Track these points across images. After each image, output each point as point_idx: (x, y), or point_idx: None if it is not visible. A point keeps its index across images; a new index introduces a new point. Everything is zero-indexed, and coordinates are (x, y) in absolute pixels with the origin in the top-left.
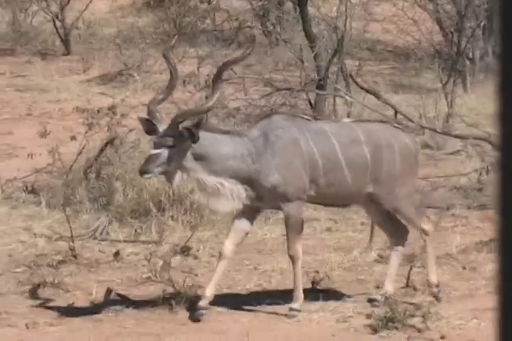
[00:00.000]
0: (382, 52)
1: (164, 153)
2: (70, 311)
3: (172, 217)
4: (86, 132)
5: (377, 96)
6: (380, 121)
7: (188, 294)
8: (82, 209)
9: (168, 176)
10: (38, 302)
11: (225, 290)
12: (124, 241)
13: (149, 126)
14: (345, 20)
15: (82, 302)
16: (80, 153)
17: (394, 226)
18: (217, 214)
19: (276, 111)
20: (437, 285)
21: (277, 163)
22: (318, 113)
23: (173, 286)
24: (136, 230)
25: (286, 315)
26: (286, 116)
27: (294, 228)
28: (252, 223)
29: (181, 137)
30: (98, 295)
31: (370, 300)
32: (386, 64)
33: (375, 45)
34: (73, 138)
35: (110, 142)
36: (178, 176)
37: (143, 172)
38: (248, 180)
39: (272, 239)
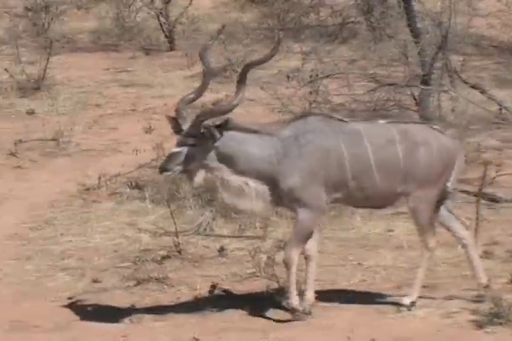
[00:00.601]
0: (487, 48)
1: (185, 151)
2: (175, 306)
3: (276, 212)
4: None
5: (482, 91)
6: (417, 122)
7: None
8: (187, 204)
9: (189, 175)
10: (143, 297)
11: (329, 286)
12: (229, 237)
13: (176, 124)
14: (450, 16)
15: (186, 297)
16: None
17: (455, 221)
18: (243, 214)
19: (312, 112)
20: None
21: (300, 166)
22: (422, 108)
23: (277, 282)
24: (240, 226)
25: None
26: (322, 117)
27: (298, 235)
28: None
29: (203, 136)
30: (202, 290)
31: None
32: (491, 59)
33: (480, 40)
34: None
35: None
36: (200, 175)
37: (162, 169)
38: (270, 181)
39: (375, 235)
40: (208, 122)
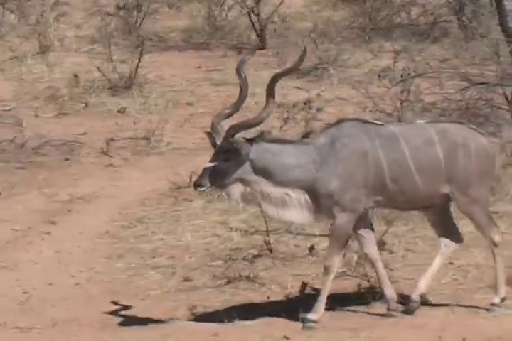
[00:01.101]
0: None
1: (218, 166)
2: (266, 305)
3: None
4: (281, 126)
5: None
6: (455, 122)
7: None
8: None
9: (226, 189)
10: (234, 296)
11: None
12: (319, 236)
13: (212, 139)
14: None
15: (277, 296)
16: None
17: (448, 229)
18: (290, 225)
19: (347, 118)
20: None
21: (339, 171)
22: None
23: (368, 281)
24: (330, 225)
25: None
26: (357, 122)
27: (337, 239)
28: (371, 225)
29: (235, 150)
30: (293, 289)
31: None
32: None
33: None
34: (269, 132)
35: (306, 136)
36: (237, 189)
37: (197, 185)
38: (311, 189)
39: (467, 233)
40: (239, 136)
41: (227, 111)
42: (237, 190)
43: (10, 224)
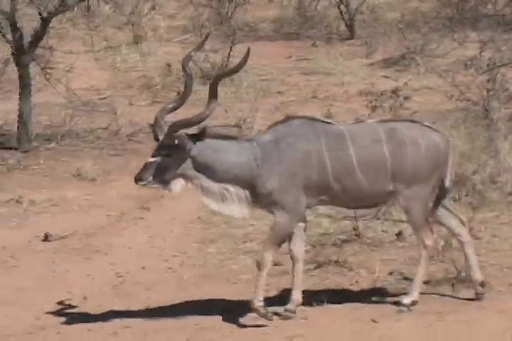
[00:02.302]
0: None
1: (160, 161)
2: (354, 289)
3: (454, 198)
4: (369, 114)
5: None
6: (407, 120)
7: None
8: None
9: (165, 184)
10: (323, 280)
11: (508, 271)
12: (407, 222)
13: (154, 133)
14: None
15: (365, 280)
16: None
17: (453, 219)
18: (230, 218)
19: (296, 115)
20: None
21: (280, 169)
22: None
23: (454, 266)
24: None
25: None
26: (305, 121)
27: (274, 237)
28: (305, 219)
29: (177, 147)
30: (381, 273)
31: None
32: None
33: None
34: (357, 120)
35: None
36: (178, 184)
37: (137, 179)
38: (249, 185)
39: None
40: (181, 132)
41: (170, 106)
42: (178, 185)
43: (104, 210)
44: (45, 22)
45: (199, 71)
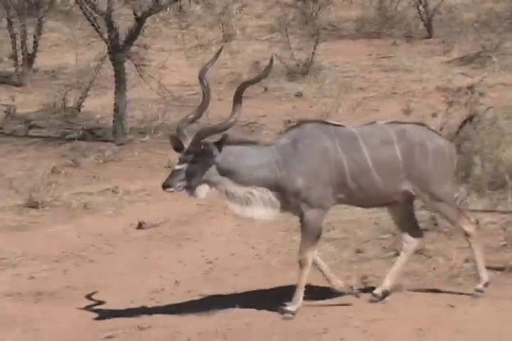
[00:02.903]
0: None
1: (186, 168)
2: (431, 275)
3: None
4: (446, 109)
5: None
6: (414, 123)
7: None
8: None
9: (192, 190)
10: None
11: None
12: (482, 211)
13: (176, 143)
14: None
15: (442, 267)
16: (442, 128)
17: (409, 226)
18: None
19: (308, 120)
20: (486, 284)
21: (303, 169)
22: None
23: None
24: (492, 200)
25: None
26: (317, 124)
27: (309, 235)
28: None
29: (203, 153)
30: (457, 260)
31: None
32: None
33: None
34: (434, 115)
35: (469, 119)
36: (204, 190)
37: (166, 186)
38: (276, 187)
39: None
40: (207, 140)
41: (191, 117)
42: (203, 190)
43: (195, 200)
44: (139, 21)
45: (285, 68)
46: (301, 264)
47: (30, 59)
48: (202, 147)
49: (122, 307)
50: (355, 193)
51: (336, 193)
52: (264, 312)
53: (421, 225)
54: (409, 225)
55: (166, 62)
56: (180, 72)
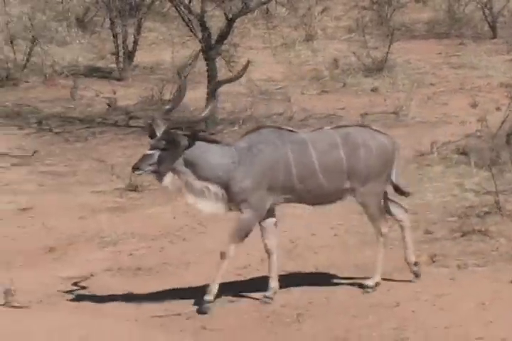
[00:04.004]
0: None
1: (156, 154)
2: (494, 255)
3: None
4: (509, 103)
5: None
6: (358, 125)
7: None
8: (506, 168)
9: (158, 176)
10: (468, 247)
11: None
12: None
13: (151, 131)
14: None
15: (504, 248)
16: (504, 121)
17: (395, 206)
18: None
19: (265, 125)
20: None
21: (252, 173)
22: None
23: None
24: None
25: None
26: (273, 129)
27: (239, 231)
28: (274, 214)
29: (172, 142)
30: None
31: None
32: None
33: None
34: (498, 108)
35: None
36: (168, 177)
37: (135, 168)
38: (225, 185)
39: None
40: (178, 131)
41: (167, 107)
42: (168, 177)
43: None
44: (230, 22)
45: (362, 65)
46: (222, 256)
47: (130, 56)
48: (172, 136)
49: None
50: (302, 193)
51: (283, 194)
52: (341, 287)
53: (485, 209)
54: (393, 206)
55: (254, 59)
56: (266, 68)
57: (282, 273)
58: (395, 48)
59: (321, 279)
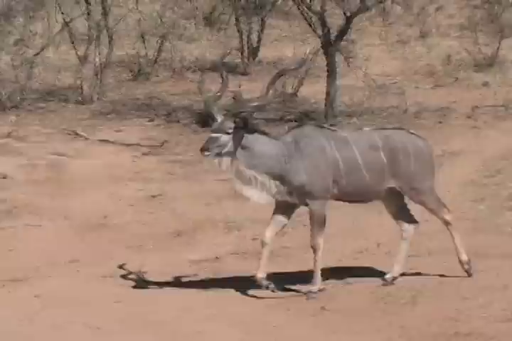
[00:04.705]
0: None
1: (222, 137)
2: None
3: None
4: None
5: None
6: (396, 128)
7: None
8: None
9: (220, 159)
10: None
11: None
12: None
13: (202, 118)
14: None
15: None
16: None
17: (404, 215)
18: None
19: (307, 122)
20: (468, 263)
21: (305, 165)
22: None
23: None
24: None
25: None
26: (315, 127)
27: (317, 223)
28: (289, 218)
29: (237, 126)
30: None
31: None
32: None
33: None
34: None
35: None
36: (226, 161)
37: (204, 150)
38: (280, 177)
39: None
40: (244, 114)
41: (218, 94)
42: (227, 162)
43: None
44: (348, 20)
45: (473, 61)
46: (314, 249)
47: (254, 52)
48: (236, 120)
49: (332, 265)
50: (346, 189)
51: (330, 189)
52: (453, 271)
53: None
54: (403, 215)
55: (371, 55)
56: (382, 63)
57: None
58: (505, 45)
59: (434, 263)
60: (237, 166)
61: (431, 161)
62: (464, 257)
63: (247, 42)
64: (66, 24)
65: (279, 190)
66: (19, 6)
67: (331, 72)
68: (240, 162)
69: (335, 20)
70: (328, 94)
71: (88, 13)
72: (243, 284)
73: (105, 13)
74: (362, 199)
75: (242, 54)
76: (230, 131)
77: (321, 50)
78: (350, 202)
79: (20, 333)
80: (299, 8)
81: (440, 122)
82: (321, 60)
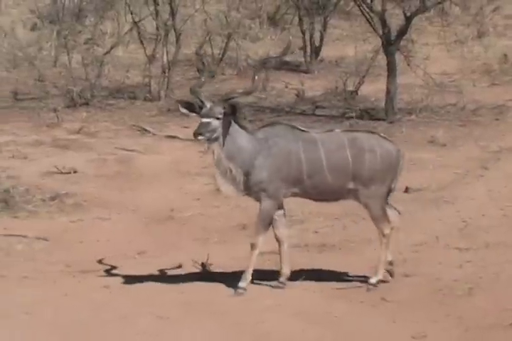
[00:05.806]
0: None
1: (213, 122)
2: None
3: None
4: None
5: None
6: (366, 131)
7: None
8: None
9: (210, 144)
10: None
11: None
12: None
13: (188, 105)
14: None
15: None
16: None
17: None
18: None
19: (279, 122)
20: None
21: (269, 164)
22: None
23: None
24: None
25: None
26: (286, 126)
27: (262, 220)
28: (282, 207)
29: (226, 112)
30: None
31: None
32: None
33: None
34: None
35: None
36: (215, 146)
37: (197, 134)
38: (247, 173)
39: None
40: (233, 101)
41: (202, 80)
42: (216, 146)
43: (452, 169)
44: (408, 20)
45: None
46: (252, 246)
47: (316, 51)
48: (225, 106)
49: (390, 258)
50: (308, 188)
51: (292, 187)
52: (510, 263)
53: None
54: (387, 208)
55: (430, 54)
56: (441, 62)
57: (454, 249)
58: None
59: (491, 256)
60: (219, 154)
61: (396, 168)
62: (380, 273)
63: (310, 42)
64: (135, 24)
65: (245, 186)
66: (90, 7)
67: (391, 71)
68: (223, 150)
69: (395, 20)
70: (388, 91)
71: (156, 13)
72: (306, 275)
73: (173, 13)
74: (325, 198)
75: (304, 53)
76: (220, 116)
77: (382, 49)
78: (315, 200)
79: (90, 323)
80: (360, 9)
81: (497, 119)
82: (382, 59)
